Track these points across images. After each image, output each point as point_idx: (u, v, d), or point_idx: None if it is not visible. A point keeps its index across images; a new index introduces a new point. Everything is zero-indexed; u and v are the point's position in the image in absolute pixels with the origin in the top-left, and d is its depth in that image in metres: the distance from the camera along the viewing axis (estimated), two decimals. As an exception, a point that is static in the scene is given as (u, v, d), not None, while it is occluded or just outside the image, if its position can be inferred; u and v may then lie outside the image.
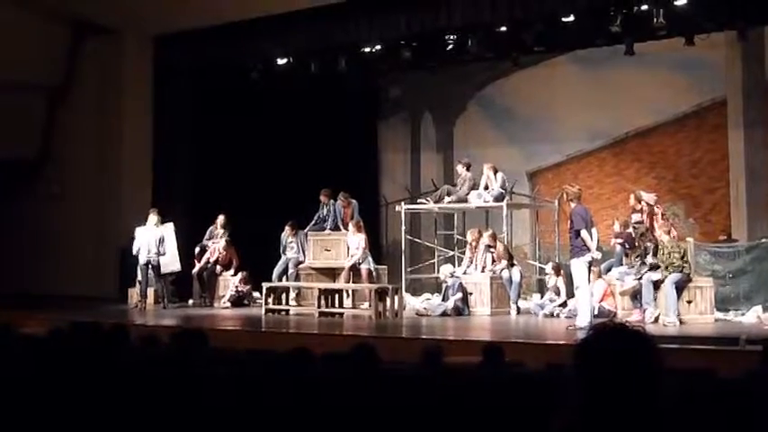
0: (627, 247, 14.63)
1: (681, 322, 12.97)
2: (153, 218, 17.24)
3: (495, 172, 16.92)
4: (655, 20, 14.71)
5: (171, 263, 17.65)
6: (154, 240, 17.02)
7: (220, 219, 17.89)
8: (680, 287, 13.26)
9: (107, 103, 19.55)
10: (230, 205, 18.12)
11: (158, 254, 17.04)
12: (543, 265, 16.64)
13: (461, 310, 15.38)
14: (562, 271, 15.53)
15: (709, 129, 17.79)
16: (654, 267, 13.46)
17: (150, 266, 17.02)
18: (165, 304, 17.07)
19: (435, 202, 17.49)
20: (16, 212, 20.08)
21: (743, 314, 14.08)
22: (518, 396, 5.05)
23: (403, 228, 17.95)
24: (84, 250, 19.28)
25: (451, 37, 16.59)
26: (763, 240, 15.34)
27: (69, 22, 19.10)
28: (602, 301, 13.99)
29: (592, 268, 13.00)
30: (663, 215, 14.61)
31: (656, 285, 13.34)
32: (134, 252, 17.15)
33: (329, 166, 18.90)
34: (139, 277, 17.19)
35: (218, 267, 17.79)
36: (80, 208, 19.56)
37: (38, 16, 18.29)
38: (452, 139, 21.00)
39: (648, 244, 13.81)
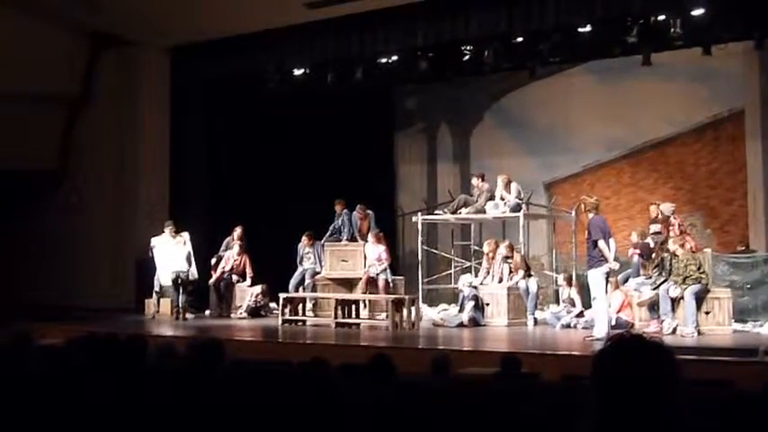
0: (644, 257, 14.57)
1: (699, 333, 12.91)
2: (169, 230, 17.33)
3: (509, 183, 16.90)
4: (672, 30, 14.67)
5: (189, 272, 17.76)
6: (181, 255, 17.11)
7: (237, 230, 17.90)
8: (698, 298, 13.20)
9: (125, 114, 19.62)
10: (247, 216, 18.15)
11: (188, 268, 17.19)
12: (558, 275, 16.59)
13: (478, 320, 15.35)
14: (574, 281, 15.51)
15: (727, 139, 17.73)
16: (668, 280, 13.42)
17: (180, 279, 17.10)
18: (184, 315, 17.11)
19: (452, 212, 17.47)
20: (34, 223, 20.17)
21: (761, 325, 13.99)
22: (534, 407, 5.04)
23: (420, 238, 17.94)
24: (102, 261, 19.34)
25: (468, 48, 16.59)
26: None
27: (88, 34, 19.18)
28: (619, 311, 13.93)
29: (609, 279, 12.96)
30: (680, 226, 14.56)
31: (675, 300, 13.29)
32: (160, 265, 17.26)
33: (346, 177, 18.92)
34: (170, 292, 17.34)
35: (234, 277, 17.81)
36: (97, 219, 19.64)
37: (56, 28, 18.39)
38: (469, 150, 21.00)
39: (666, 255, 13.77)
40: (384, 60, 17.40)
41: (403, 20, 16.57)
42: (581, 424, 2.54)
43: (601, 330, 12.37)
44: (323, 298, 16.68)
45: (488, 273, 16.37)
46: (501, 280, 16.04)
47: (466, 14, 15.98)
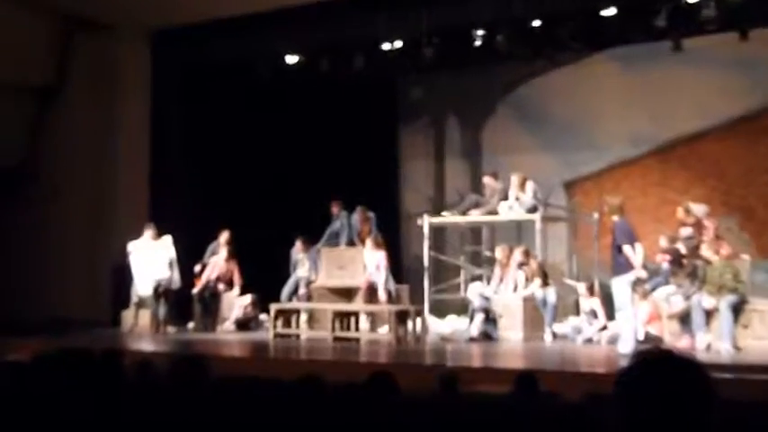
0: (674, 264, 14.55)
1: (736, 349, 12.88)
2: (150, 233, 17.32)
3: (524, 182, 16.87)
4: (705, 12, 14.65)
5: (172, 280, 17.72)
6: (164, 261, 17.11)
7: (224, 235, 17.89)
8: (735, 310, 13.18)
9: (100, 105, 19.60)
10: (235, 218, 18.13)
11: (171, 277, 17.19)
12: (579, 284, 16.57)
13: (490, 334, 15.35)
14: (597, 291, 15.49)
15: (766, 133, 17.71)
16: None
17: (161, 288, 17.10)
18: (164, 328, 17.11)
19: (462, 214, 17.46)
20: (1, 226, 20.14)
21: (805, 340, 13.97)
22: (552, 430, 5.03)
23: (426, 243, 17.92)
24: (74, 268, 19.30)
25: (479, 32, 16.59)
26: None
27: (60, 17, 19.17)
28: (647, 324, 13.92)
29: (636, 288, 12.95)
30: (714, 230, 14.53)
31: (709, 312, 13.27)
32: (138, 273, 17.24)
33: (344, 176, 18.92)
34: (149, 303, 17.32)
35: (221, 286, 17.81)
36: (70, 221, 19.60)
37: (26, 11, 18.39)
38: (480, 146, 20.99)
39: (699, 262, 13.75)
40: (386, 46, 17.39)
41: (407, 2, 16.58)
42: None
43: (626, 346, 12.37)
44: (319, 309, 16.67)
45: (501, 281, 16.37)
46: (515, 289, 16.03)
47: (477, -5, 16.01)
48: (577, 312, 16.63)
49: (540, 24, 16.09)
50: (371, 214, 17.49)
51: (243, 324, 17.49)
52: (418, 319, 15.25)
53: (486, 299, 15.68)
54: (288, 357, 13.74)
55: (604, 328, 14.83)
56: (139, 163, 19.67)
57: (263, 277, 17.45)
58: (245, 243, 17.98)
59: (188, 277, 17.83)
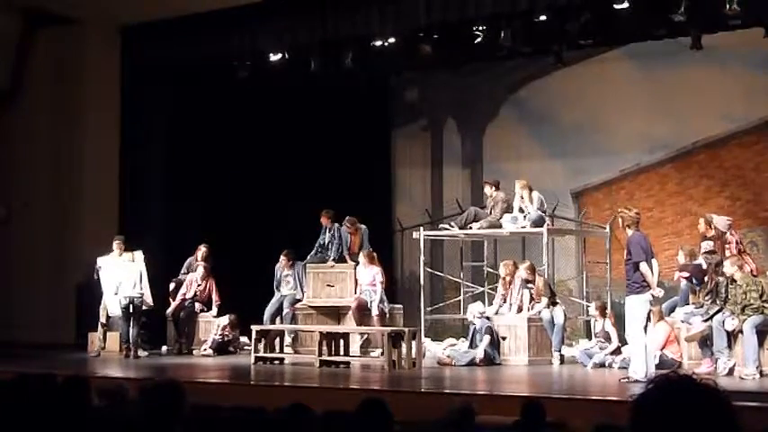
0: (694, 282, 14.56)
1: (761, 375, 12.89)
2: (119, 247, 17.27)
3: (530, 191, 16.87)
4: (727, 6, 14.65)
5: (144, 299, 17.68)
6: (136, 275, 17.05)
7: (202, 250, 17.86)
8: (761, 332, 13.17)
9: (64, 108, 19.54)
10: (214, 232, 18.12)
11: (142, 293, 17.12)
12: (590, 303, 16.58)
13: (492, 358, 15.34)
14: (609, 311, 15.48)
15: (794, 138, 17.77)
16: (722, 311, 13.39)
17: (133, 307, 17.02)
18: (135, 352, 17.06)
19: (461, 227, 17.45)
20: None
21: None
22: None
23: (422, 258, 17.92)
24: (36, 286, 19.24)
25: (481, 28, 16.60)
26: None
27: (18, 11, 19.13)
28: (663, 348, 13.92)
29: (652, 308, 12.94)
30: (737, 244, 14.54)
31: (731, 334, 13.26)
32: (108, 290, 17.20)
33: (333, 184, 18.93)
34: (118, 324, 17.28)
35: (198, 306, 17.77)
36: (31, 235, 19.55)
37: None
38: (481, 152, 20.99)
39: (721, 279, 13.74)
40: (379, 43, 17.39)
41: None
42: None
43: (641, 371, 12.36)
44: (305, 331, 16.67)
45: (505, 300, 16.36)
46: (520, 309, 16.02)
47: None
48: (588, 334, 16.66)
49: (546, 19, 16.10)
50: (362, 226, 17.45)
51: (221, 347, 17.43)
52: (413, 342, 15.24)
53: (488, 319, 15.67)
54: (271, 384, 13.72)
55: (617, 351, 14.83)
56: (107, 172, 19.59)
57: (244, 296, 17.43)
58: (225, 258, 17.96)
59: (161, 296, 17.81)
